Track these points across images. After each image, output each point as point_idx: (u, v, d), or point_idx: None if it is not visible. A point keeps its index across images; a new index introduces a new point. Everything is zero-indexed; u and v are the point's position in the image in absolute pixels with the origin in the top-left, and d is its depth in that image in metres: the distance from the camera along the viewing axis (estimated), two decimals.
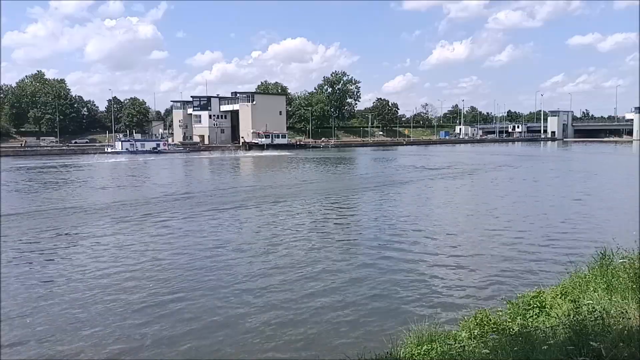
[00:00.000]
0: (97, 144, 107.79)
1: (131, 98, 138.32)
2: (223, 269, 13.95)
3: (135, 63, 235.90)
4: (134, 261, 14.69)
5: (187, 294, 11.72)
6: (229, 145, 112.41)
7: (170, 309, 10.78)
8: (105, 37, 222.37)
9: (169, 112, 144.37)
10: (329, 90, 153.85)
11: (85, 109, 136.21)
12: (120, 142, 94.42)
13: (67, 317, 10.31)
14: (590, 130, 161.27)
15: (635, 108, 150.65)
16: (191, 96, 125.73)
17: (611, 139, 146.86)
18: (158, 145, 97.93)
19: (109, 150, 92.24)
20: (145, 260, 14.81)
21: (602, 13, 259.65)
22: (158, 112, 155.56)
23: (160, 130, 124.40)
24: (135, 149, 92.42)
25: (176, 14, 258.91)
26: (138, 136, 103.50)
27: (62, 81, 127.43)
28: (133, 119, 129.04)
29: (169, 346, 9.00)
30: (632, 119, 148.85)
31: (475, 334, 6.22)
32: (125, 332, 9.60)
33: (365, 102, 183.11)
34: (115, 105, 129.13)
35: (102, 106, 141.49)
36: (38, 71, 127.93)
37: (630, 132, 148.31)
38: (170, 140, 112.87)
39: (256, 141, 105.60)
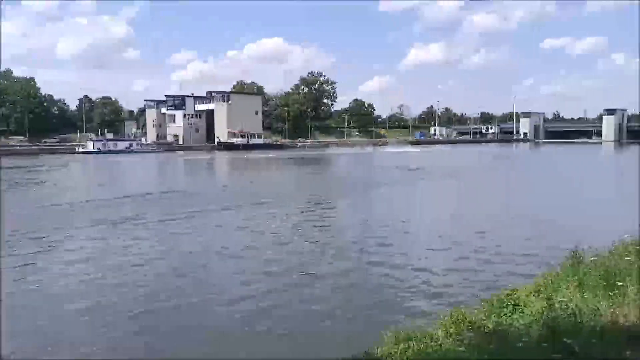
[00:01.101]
0: (67, 144, 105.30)
1: (103, 97, 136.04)
2: (200, 271, 13.80)
3: (108, 62, 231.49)
4: (106, 266, 14.34)
5: (167, 299, 11.51)
6: (204, 145, 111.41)
7: (150, 314, 10.54)
8: (77, 36, 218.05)
9: (142, 111, 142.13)
10: (306, 90, 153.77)
11: (55, 108, 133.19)
12: (92, 142, 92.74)
13: (37, 327, 10.02)
14: (562, 131, 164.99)
15: (605, 110, 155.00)
16: (165, 95, 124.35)
17: (581, 140, 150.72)
18: (131, 145, 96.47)
19: (80, 150, 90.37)
20: (116, 265, 14.48)
21: (574, 17, 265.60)
22: (131, 112, 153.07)
23: (134, 130, 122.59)
24: (107, 149, 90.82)
25: (151, 13, 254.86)
26: (110, 136, 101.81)
27: (32, 79, 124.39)
28: (105, 118, 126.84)
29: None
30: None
31: (452, 332, 6.26)
32: (100, 340, 9.38)
33: (342, 102, 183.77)
34: (87, 105, 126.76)
35: (73, 105, 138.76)
36: (6, 69, 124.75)
37: (599, 134, 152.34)
38: (143, 140, 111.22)
39: (232, 141, 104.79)
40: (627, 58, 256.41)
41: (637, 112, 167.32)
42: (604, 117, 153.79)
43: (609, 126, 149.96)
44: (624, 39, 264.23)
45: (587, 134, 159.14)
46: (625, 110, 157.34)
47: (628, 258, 7.25)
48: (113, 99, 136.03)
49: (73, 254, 15.56)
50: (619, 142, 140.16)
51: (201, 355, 8.72)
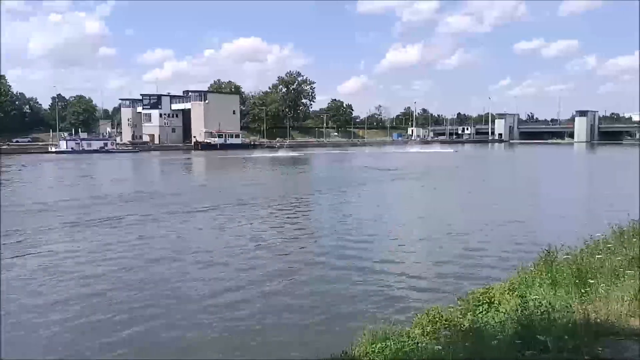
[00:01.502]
0: (40, 144, 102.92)
1: (77, 96, 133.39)
2: (175, 273, 13.61)
3: (81, 60, 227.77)
4: (72, 272, 14.04)
5: (139, 304, 11.33)
6: (181, 145, 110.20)
7: (118, 324, 10.32)
8: (50, 33, 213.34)
9: (117, 110, 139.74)
10: (284, 90, 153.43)
11: (27, 106, 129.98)
12: (65, 141, 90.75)
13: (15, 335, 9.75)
14: (535, 132, 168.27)
15: (577, 112, 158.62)
16: (141, 94, 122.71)
17: (554, 141, 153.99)
18: (105, 144, 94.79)
19: (53, 149, 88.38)
20: (88, 268, 14.22)
21: (546, 20, 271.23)
22: (106, 111, 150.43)
23: (108, 129, 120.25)
24: (81, 149, 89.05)
25: (126, 11, 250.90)
26: (84, 135, 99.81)
27: (2, 77, 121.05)
28: (79, 117, 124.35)
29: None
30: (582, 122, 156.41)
31: (428, 330, 6.32)
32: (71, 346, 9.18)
33: (320, 102, 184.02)
34: (60, 103, 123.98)
35: (45, 104, 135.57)
36: None
37: (571, 135, 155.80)
38: (118, 139, 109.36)
39: (209, 141, 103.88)
40: (598, 60, 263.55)
41: (608, 114, 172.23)
42: (576, 118, 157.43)
43: (580, 127, 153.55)
44: (594, 42, 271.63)
45: (559, 134, 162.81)
46: (597, 111, 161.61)
47: (599, 256, 7.41)
48: (87, 98, 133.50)
49: (40, 257, 15.18)
50: (590, 143, 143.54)
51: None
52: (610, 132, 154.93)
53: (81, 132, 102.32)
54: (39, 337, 9.28)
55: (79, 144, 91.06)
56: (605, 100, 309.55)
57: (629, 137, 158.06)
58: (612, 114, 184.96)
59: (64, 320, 9.99)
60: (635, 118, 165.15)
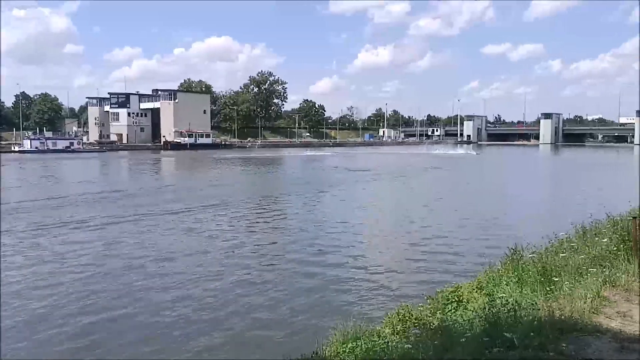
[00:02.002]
0: (3, 142, 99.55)
1: (42, 94, 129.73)
2: (143, 274, 13.38)
3: (47, 57, 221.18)
4: (33, 273, 13.67)
5: (110, 305, 11.09)
6: (150, 144, 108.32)
7: (78, 331, 10.07)
8: (14, 28, 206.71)
9: (83, 109, 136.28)
10: (255, 90, 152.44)
11: None
12: (29, 141, 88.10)
13: None
14: (502, 134, 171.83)
15: (542, 114, 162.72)
16: (108, 93, 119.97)
17: (520, 142, 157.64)
18: (71, 144, 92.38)
19: (17, 149, 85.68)
20: (44, 272, 13.83)
21: (513, 24, 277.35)
22: (72, 109, 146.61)
23: (75, 129, 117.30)
24: (45, 148, 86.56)
25: (93, 7, 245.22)
26: (49, 134, 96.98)
27: None
28: (44, 115, 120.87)
29: None
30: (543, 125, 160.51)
31: (398, 329, 6.36)
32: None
33: (292, 103, 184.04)
34: (23, 101, 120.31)
35: (9, 102, 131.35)
36: None
37: (537, 137, 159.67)
38: (85, 138, 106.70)
39: (179, 141, 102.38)
40: (563, 64, 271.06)
41: (572, 116, 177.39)
42: (541, 120, 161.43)
43: (545, 129, 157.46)
44: (559, 46, 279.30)
45: (526, 136, 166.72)
46: (561, 114, 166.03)
47: (563, 255, 7.61)
48: (53, 96, 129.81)
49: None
50: (555, 145, 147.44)
51: None
52: (573, 134, 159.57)
53: (46, 131, 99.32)
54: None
55: (43, 143, 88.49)
56: (569, 103, 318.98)
57: (592, 139, 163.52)
58: (576, 116, 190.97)
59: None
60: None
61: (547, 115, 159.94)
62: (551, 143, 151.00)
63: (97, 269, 13.68)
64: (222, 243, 17.11)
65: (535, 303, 5.66)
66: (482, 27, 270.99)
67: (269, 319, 10.10)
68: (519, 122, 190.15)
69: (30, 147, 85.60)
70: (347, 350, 5.82)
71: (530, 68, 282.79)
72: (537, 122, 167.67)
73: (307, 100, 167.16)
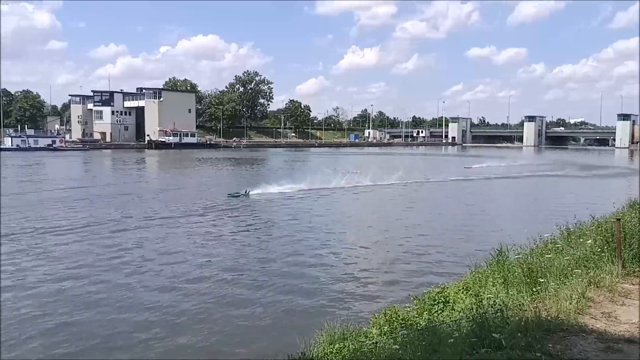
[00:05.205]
0: None
1: (23, 90, 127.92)
2: (130, 276, 13.22)
3: (28, 53, 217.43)
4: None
5: (95, 306, 10.92)
6: (134, 143, 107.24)
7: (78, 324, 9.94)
8: None
9: (66, 107, 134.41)
10: (241, 89, 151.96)
11: None
12: (10, 138, 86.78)
13: None
14: (487, 136, 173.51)
15: (526, 117, 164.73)
16: (92, 90, 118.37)
17: (504, 144, 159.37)
18: (54, 142, 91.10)
19: None
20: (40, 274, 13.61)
21: (497, 28, 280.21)
22: (54, 107, 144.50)
23: (57, 126, 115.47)
24: (27, 146, 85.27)
25: (77, 3, 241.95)
26: (31, 132, 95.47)
27: None
28: (25, 113, 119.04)
29: None
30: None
31: (385, 330, 6.37)
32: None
33: (278, 103, 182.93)
34: (4, 98, 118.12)
35: None
36: None
37: (520, 139, 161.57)
38: (67, 137, 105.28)
39: (163, 140, 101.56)
40: (546, 68, 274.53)
41: (555, 120, 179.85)
42: (525, 123, 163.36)
43: (529, 132, 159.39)
44: (542, 50, 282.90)
45: (509, 139, 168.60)
46: (544, 117, 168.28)
47: (549, 256, 7.67)
48: (34, 93, 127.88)
49: None
50: (538, 147, 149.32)
51: None
52: (556, 137, 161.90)
53: (28, 128, 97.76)
54: None
55: (25, 140, 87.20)
56: (551, 106, 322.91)
57: (574, 142, 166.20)
58: (559, 119, 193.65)
59: None
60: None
61: (531, 118, 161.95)
62: (534, 145, 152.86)
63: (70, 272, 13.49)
64: (206, 241, 17.01)
65: (522, 304, 5.70)
66: (467, 30, 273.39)
67: (253, 319, 10.04)
68: (502, 124, 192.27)
69: (12, 145, 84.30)
70: (335, 351, 5.81)
71: (514, 71, 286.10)
72: (521, 124, 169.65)
73: (293, 100, 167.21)
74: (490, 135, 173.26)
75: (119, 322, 9.81)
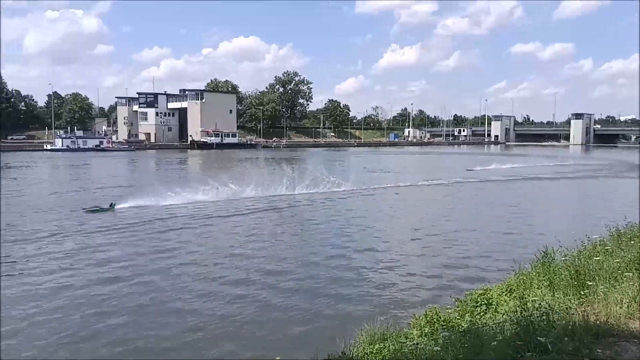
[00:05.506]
0: (35, 141, 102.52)
1: (73, 93, 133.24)
2: (175, 276, 13.57)
3: (78, 57, 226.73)
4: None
5: (142, 302, 11.28)
6: (177, 143, 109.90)
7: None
8: (47, 30, 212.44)
9: (113, 108, 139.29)
10: (281, 90, 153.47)
11: (22, 104, 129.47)
12: (60, 139, 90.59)
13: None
14: (531, 134, 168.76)
15: (573, 114, 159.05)
16: (137, 93, 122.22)
17: (549, 143, 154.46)
18: (101, 142, 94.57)
19: (48, 147, 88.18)
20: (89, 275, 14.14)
21: (542, 24, 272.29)
22: (102, 109, 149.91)
23: (104, 128, 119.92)
24: (76, 147, 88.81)
25: (124, 8, 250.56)
26: (80, 133, 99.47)
27: None
28: (75, 115, 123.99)
29: None
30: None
31: (426, 331, 6.29)
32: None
33: (317, 103, 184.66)
34: (55, 101, 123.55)
35: (41, 101, 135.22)
36: None
37: (567, 137, 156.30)
38: (114, 137, 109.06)
39: (205, 140, 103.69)
40: (594, 64, 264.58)
41: (603, 117, 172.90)
42: (572, 121, 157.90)
43: (576, 130, 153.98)
44: (589, 46, 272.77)
45: (555, 137, 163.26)
46: (592, 114, 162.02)
47: (597, 258, 7.39)
48: (83, 96, 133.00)
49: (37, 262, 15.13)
50: (586, 146, 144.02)
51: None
52: (605, 135, 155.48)
53: (77, 130, 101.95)
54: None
55: (74, 142, 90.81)
56: (600, 103, 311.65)
57: (624, 140, 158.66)
58: (608, 116, 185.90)
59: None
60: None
61: (578, 116, 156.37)
62: (582, 144, 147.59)
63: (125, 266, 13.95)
64: (246, 241, 17.24)
65: (569, 307, 5.52)
66: (510, 26, 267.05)
67: (295, 319, 10.10)
68: (548, 122, 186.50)
69: (62, 146, 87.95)
70: (375, 351, 5.79)
71: (560, 68, 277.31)
72: (567, 122, 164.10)
73: (332, 100, 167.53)
74: (535, 134, 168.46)
75: (165, 326, 10.04)
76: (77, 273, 13.08)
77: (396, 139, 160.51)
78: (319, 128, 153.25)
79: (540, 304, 5.52)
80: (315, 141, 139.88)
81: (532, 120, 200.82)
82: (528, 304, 5.66)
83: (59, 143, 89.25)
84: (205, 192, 26.57)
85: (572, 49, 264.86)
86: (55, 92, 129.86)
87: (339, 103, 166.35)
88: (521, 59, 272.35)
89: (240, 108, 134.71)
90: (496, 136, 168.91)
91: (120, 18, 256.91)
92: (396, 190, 32.95)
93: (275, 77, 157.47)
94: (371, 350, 5.76)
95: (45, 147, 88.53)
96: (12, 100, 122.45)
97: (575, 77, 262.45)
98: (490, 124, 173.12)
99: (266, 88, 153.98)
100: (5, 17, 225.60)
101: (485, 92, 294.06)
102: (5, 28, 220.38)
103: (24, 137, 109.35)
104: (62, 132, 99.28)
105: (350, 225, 20.45)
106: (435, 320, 6.57)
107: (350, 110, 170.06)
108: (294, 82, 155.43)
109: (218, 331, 9.46)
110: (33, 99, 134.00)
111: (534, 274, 7.91)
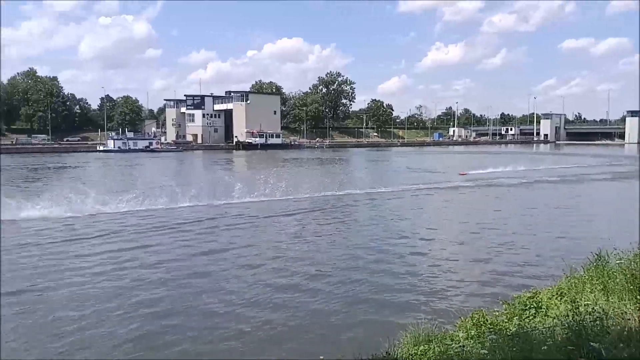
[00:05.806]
0: (89, 142, 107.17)
1: (124, 96, 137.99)
2: (212, 275, 13.87)
3: (129, 61, 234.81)
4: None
5: (181, 301, 11.61)
6: (223, 144, 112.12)
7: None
8: (100, 35, 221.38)
9: (162, 110, 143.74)
10: (324, 90, 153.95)
11: (77, 107, 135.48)
12: (112, 141, 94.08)
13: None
14: (583, 133, 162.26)
15: (628, 112, 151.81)
16: (185, 95, 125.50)
17: (603, 142, 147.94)
18: (150, 143, 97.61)
19: (101, 148, 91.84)
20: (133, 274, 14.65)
21: (595, 18, 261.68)
22: (151, 111, 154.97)
23: (153, 129, 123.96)
24: (127, 148, 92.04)
25: (172, 12, 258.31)
26: (130, 134, 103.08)
27: (55, 79, 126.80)
28: (126, 117, 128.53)
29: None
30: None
31: (472, 334, 6.18)
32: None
33: (360, 103, 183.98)
34: (107, 104, 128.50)
35: (94, 104, 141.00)
36: (30, 68, 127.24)
37: (621, 136, 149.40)
38: (162, 139, 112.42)
39: (250, 141, 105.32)
40: None
41: None
42: (627, 118, 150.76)
43: (632, 128, 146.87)
44: None
45: (609, 135, 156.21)
46: None
47: None
48: (133, 98, 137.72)
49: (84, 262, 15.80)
50: None
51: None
52: None
53: (128, 131, 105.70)
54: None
55: (125, 143, 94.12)
56: None
57: None
58: None
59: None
60: None
61: (634, 113, 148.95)
62: (638, 142, 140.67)
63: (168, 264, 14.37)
64: (291, 240, 17.41)
65: (625, 312, 5.31)
66: (560, 21, 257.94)
67: (338, 318, 10.13)
68: (601, 120, 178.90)
69: (114, 147, 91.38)
70: (419, 353, 5.74)
71: (614, 63, 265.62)
72: (622, 120, 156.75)
73: (375, 100, 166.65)
74: (587, 132, 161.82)
75: (207, 330, 10.29)
76: (124, 275, 13.58)
77: (440, 139, 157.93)
78: (362, 128, 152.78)
79: (593, 308, 5.34)
80: (358, 141, 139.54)
81: (584, 118, 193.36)
82: (580, 308, 5.48)
83: (111, 144, 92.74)
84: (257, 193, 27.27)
85: (628, 44, 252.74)
86: (108, 95, 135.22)
87: (382, 103, 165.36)
88: (572, 55, 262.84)
89: (284, 109, 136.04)
90: (545, 135, 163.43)
91: (168, 22, 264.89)
92: (440, 191, 32.43)
93: (319, 77, 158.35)
94: (415, 351, 5.71)
95: (98, 148, 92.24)
96: (68, 103, 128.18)
97: (630, 73, 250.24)
98: (540, 122, 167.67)
99: (309, 89, 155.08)
100: (61, 24, 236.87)
101: (534, 90, 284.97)
102: (63, 35, 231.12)
103: (79, 138, 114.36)
104: (113, 133, 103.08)
105: (394, 228, 20.31)
106: (482, 322, 6.44)
107: (393, 110, 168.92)
108: (337, 82, 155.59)
109: (261, 334, 9.60)
110: (87, 102, 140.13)
111: (587, 277, 7.64)
